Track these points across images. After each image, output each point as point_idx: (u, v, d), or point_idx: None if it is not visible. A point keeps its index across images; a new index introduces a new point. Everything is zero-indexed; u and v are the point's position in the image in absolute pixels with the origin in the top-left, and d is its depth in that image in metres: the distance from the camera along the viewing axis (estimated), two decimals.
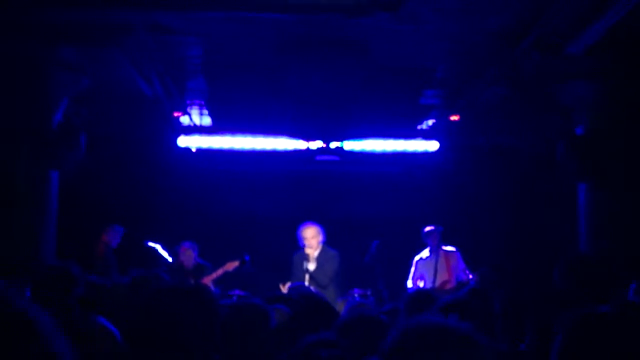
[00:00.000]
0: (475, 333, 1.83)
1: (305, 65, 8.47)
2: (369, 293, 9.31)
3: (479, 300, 4.11)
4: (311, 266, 9.20)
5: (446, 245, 10.09)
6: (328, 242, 9.50)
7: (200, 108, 11.30)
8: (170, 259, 10.65)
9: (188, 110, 11.15)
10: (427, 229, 10.09)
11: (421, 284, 9.87)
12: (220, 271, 10.27)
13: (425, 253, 10.15)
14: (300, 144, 11.06)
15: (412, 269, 10.19)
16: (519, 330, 4.22)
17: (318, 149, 10.94)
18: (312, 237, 9.30)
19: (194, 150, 11.77)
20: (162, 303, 2.65)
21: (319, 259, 9.23)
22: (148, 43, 7.81)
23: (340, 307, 7.69)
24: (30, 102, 7.95)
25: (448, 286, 9.65)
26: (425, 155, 11.92)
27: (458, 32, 7.62)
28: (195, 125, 11.84)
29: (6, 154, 7.88)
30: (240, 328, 3.57)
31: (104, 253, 10.52)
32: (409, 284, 10.13)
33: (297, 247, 9.47)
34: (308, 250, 9.28)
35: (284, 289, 8.92)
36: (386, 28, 7.47)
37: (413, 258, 10.28)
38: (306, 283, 9.03)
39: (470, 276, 9.62)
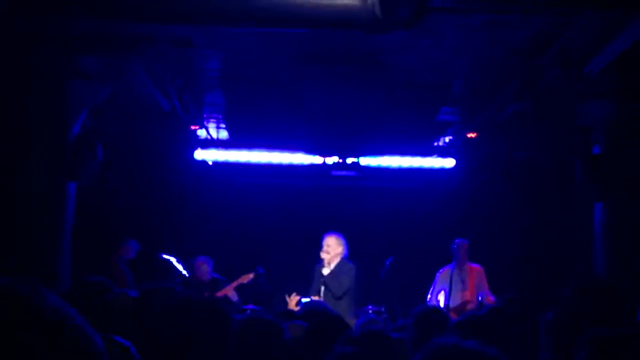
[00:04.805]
0: (502, 357, 1.81)
1: (323, 80, 8.48)
2: (383, 310, 9.25)
3: (500, 320, 4.08)
4: (325, 271, 9.11)
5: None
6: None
7: (218, 122, 11.33)
8: (184, 272, 10.66)
9: (205, 123, 11.19)
10: (457, 241, 9.87)
11: (441, 298, 9.69)
12: (234, 284, 10.29)
13: (449, 267, 9.82)
14: (316, 159, 11.06)
15: (435, 283, 10.00)
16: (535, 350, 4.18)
17: (334, 163, 10.93)
18: (328, 246, 9.18)
19: (210, 163, 11.80)
20: (174, 315, 2.64)
21: (335, 270, 9.13)
22: (166, 56, 7.85)
23: (352, 322, 7.65)
24: (49, 113, 7.98)
25: (469, 307, 9.38)
26: (442, 172, 11.89)
27: (478, 48, 7.60)
28: (212, 138, 11.88)
29: (23, 164, 7.91)
30: (253, 342, 3.56)
31: (118, 266, 10.55)
32: (429, 297, 9.97)
33: (318, 259, 9.39)
34: (323, 255, 9.18)
35: (291, 301, 8.89)
36: (403, 43, 7.47)
37: (428, 274, 10.17)
38: (321, 292, 9.02)
39: (492, 298, 9.43)
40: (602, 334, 2.31)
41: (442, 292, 9.74)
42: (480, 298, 9.53)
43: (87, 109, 8.46)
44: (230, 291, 10.14)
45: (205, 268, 10.56)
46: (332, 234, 9.29)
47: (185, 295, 2.94)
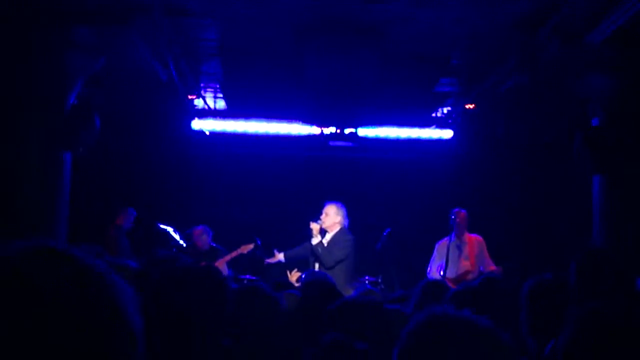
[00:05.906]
0: (495, 327, 1.81)
1: (321, 50, 8.43)
2: (380, 280, 9.25)
3: (494, 291, 4.09)
4: (314, 240, 9.05)
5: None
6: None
7: (215, 92, 11.29)
8: (181, 242, 10.68)
9: (202, 93, 11.14)
10: (455, 210, 9.76)
11: (441, 270, 9.60)
12: (234, 253, 10.31)
13: (447, 238, 9.63)
14: (314, 130, 11.04)
15: (434, 255, 9.94)
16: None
17: (332, 134, 10.90)
18: (326, 215, 9.12)
19: (207, 133, 11.77)
20: (172, 284, 2.63)
21: (331, 239, 9.06)
22: (164, 25, 7.78)
23: (349, 293, 7.66)
24: (45, 83, 7.93)
25: (470, 277, 9.21)
26: (440, 143, 11.87)
27: (478, 18, 7.55)
28: (209, 108, 11.84)
29: (19, 134, 7.87)
30: (250, 311, 3.57)
31: (116, 235, 10.55)
32: (429, 268, 9.91)
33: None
34: (318, 223, 9.11)
35: (292, 277, 8.88)
36: (404, 13, 7.42)
37: (425, 245, 10.14)
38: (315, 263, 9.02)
39: (493, 268, 9.40)
40: (590, 311, 2.28)
41: (442, 265, 9.66)
42: (481, 268, 9.50)
43: (83, 79, 8.41)
44: (221, 264, 10.13)
45: (204, 237, 10.59)
46: (331, 203, 9.25)
47: (183, 265, 2.93)
